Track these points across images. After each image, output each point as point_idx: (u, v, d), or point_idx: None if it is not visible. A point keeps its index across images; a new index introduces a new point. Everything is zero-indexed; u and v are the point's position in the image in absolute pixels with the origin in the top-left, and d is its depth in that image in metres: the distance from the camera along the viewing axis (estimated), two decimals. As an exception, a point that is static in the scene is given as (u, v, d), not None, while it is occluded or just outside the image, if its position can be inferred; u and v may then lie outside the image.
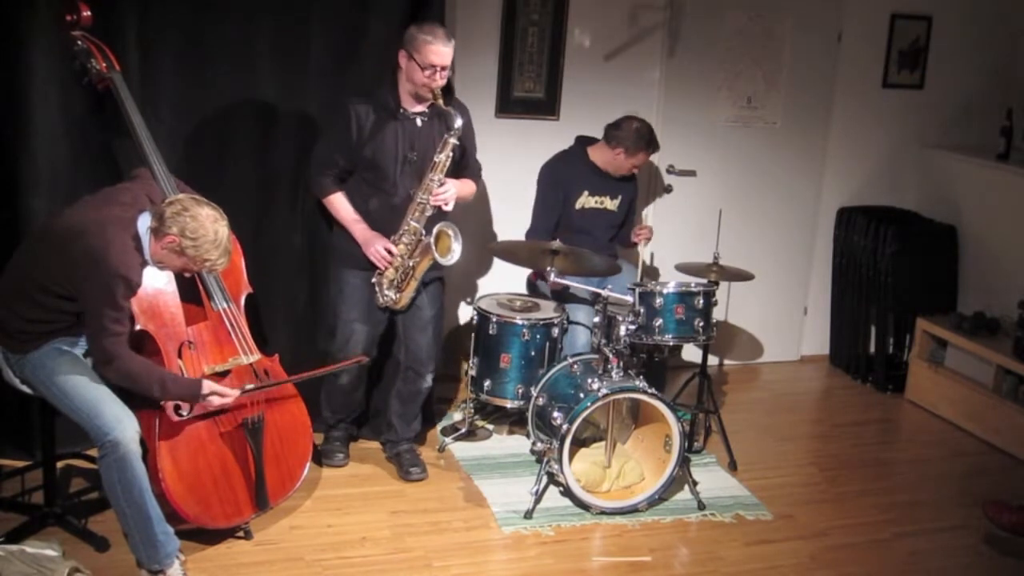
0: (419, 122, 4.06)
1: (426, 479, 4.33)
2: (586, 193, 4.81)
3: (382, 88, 4.06)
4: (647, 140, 4.76)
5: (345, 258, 4.17)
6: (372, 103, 4.03)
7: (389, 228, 4.09)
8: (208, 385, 3.44)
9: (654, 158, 5.33)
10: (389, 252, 4.06)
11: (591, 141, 4.89)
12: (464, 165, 4.23)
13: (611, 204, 4.87)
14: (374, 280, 4.15)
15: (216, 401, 3.47)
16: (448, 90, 4.02)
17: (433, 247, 3.99)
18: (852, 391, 5.77)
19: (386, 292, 4.15)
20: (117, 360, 3.27)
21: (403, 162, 4.05)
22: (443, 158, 4.00)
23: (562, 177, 4.80)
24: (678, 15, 5.31)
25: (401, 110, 4.04)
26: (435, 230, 4.01)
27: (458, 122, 3.96)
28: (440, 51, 3.89)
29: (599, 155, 4.83)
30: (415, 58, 3.91)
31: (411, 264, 4.08)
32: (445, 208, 4.08)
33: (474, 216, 5.16)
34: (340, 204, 4.12)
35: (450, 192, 4.06)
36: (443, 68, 3.92)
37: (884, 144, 5.93)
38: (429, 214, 4.05)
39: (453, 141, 3.98)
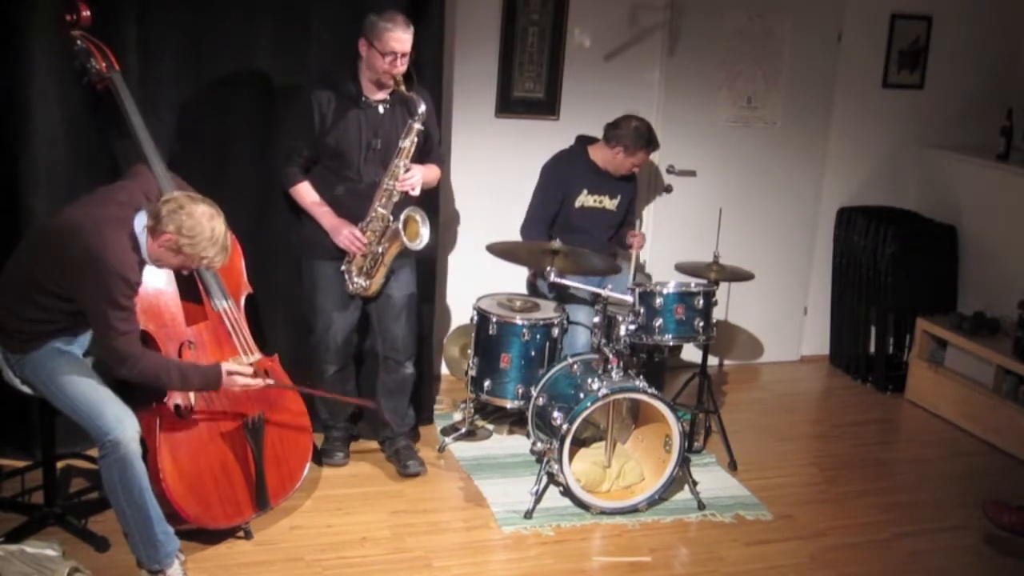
0: (381, 109, 4.07)
1: (424, 473, 4.33)
2: (585, 192, 4.81)
3: (342, 75, 4.06)
4: (646, 139, 4.76)
5: (316, 249, 4.17)
6: (333, 90, 4.03)
7: (355, 215, 4.09)
8: (227, 366, 3.45)
9: (654, 157, 5.33)
10: (357, 238, 4.07)
11: (591, 140, 4.89)
12: (428, 150, 4.23)
13: (610, 204, 4.87)
14: (343, 268, 4.15)
15: (240, 381, 3.46)
16: (408, 76, 4.02)
17: (402, 232, 3.99)
18: (852, 391, 5.77)
19: (356, 279, 4.15)
20: (131, 359, 3.25)
21: (367, 149, 4.05)
22: (408, 144, 4.00)
23: (563, 175, 4.81)
24: (678, 15, 5.31)
25: (363, 98, 4.04)
26: (403, 215, 4.01)
27: (421, 107, 3.96)
28: (400, 37, 3.90)
29: (599, 154, 4.83)
30: (375, 45, 3.91)
31: (380, 251, 4.08)
32: (412, 193, 4.08)
33: (474, 215, 5.17)
34: (306, 193, 4.11)
35: (416, 177, 4.06)
36: (403, 55, 3.93)
37: (884, 144, 5.93)
38: (396, 200, 4.05)
39: (417, 126, 3.98)
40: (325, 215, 4.09)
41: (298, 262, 4.28)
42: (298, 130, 4.06)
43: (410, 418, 4.45)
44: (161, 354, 3.42)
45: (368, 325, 4.35)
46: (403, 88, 3.95)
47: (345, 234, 4.05)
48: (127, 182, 3.58)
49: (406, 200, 4.08)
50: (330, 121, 4.01)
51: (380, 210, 4.05)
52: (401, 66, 3.94)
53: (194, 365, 3.43)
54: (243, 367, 3.51)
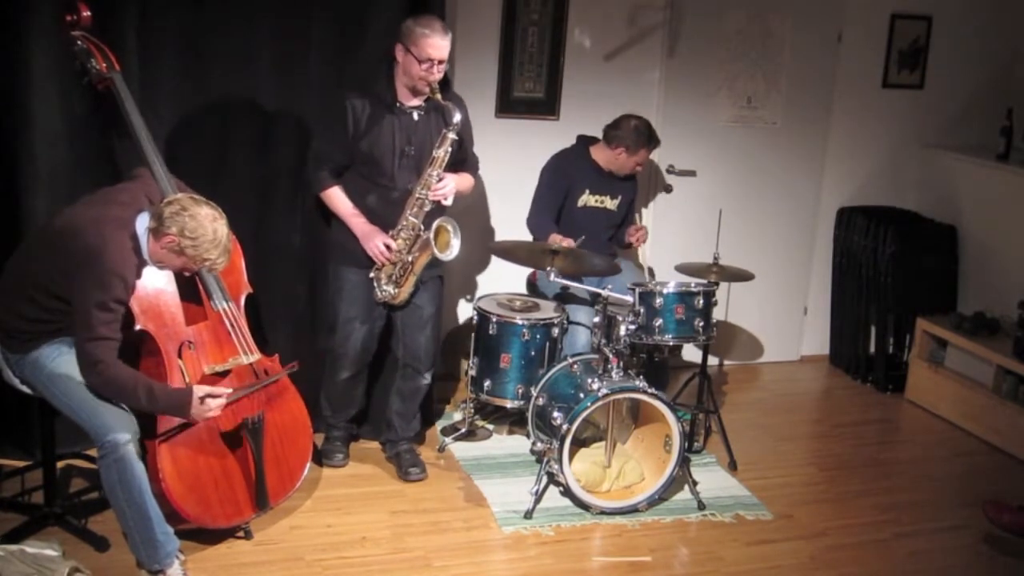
0: (416, 116, 4.05)
1: (426, 479, 4.33)
2: (587, 192, 4.81)
3: (377, 81, 4.04)
4: (647, 137, 4.76)
5: (344, 255, 4.17)
6: (368, 97, 4.01)
7: (387, 222, 4.08)
8: (199, 389, 3.36)
9: (655, 157, 5.33)
10: (387, 247, 4.06)
11: (593, 140, 4.89)
12: (461, 159, 4.22)
13: (611, 204, 4.88)
14: (372, 275, 4.15)
15: (212, 404, 3.37)
16: (445, 84, 4.01)
17: (432, 242, 3.99)
18: (852, 391, 5.77)
19: (384, 287, 4.14)
20: (101, 364, 3.22)
21: (400, 156, 4.04)
22: (442, 153, 3.99)
23: (566, 173, 4.81)
24: (678, 15, 5.31)
25: (398, 104, 4.02)
26: (434, 225, 4.00)
27: (456, 117, 3.94)
28: (438, 44, 3.87)
29: (601, 155, 4.83)
30: (412, 51, 3.89)
31: (410, 259, 4.08)
32: (444, 203, 4.08)
33: (474, 216, 5.16)
34: (338, 198, 4.11)
35: (449, 187, 4.06)
36: (440, 62, 3.90)
37: (884, 144, 5.93)
38: (428, 209, 4.04)
39: (452, 136, 3.97)
40: (357, 222, 4.08)
41: (324, 266, 4.28)
42: (332, 135, 4.05)
43: (416, 423, 4.45)
44: (136, 371, 3.37)
45: (390, 331, 4.33)
46: (439, 96, 3.92)
47: (376, 242, 4.04)
48: (128, 184, 3.59)
49: (438, 210, 4.08)
50: (364, 127, 3.99)
51: (411, 219, 4.04)
52: (438, 73, 3.91)
53: (164, 388, 3.36)
54: (219, 390, 3.42)
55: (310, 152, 4.16)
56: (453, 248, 4.06)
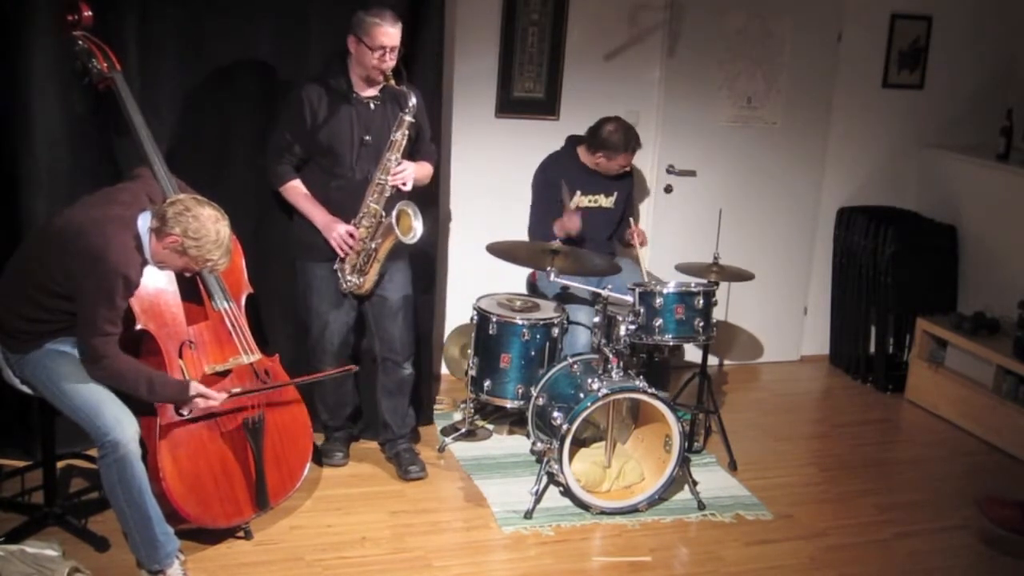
0: (372, 106, 4.06)
1: (425, 478, 4.33)
2: (579, 193, 4.80)
3: (332, 72, 4.05)
4: (624, 142, 4.72)
5: (309, 250, 4.16)
6: (323, 87, 4.02)
7: (348, 212, 4.08)
8: (195, 387, 3.43)
9: (654, 157, 5.33)
10: (351, 235, 4.06)
11: (581, 140, 4.88)
12: (419, 147, 4.23)
13: (606, 201, 4.87)
14: (336, 267, 4.15)
15: (201, 403, 3.45)
16: (397, 72, 4.01)
17: (395, 226, 3.99)
18: (852, 391, 5.77)
19: (348, 277, 4.14)
20: (106, 359, 3.26)
21: (359, 146, 4.05)
22: (399, 137, 4.00)
23: (554, 178, 4.78)
24: (678, 15, 5.31)
25: (354, 94, 4.04)
26: (396, 209, 4.00)
27: (412, 100, 3.97)
28: (388, 32, 3.90)
29: (586, 158, 4.83)
30: (364, 41, 3.91)
31: (373, 246, 4.08)
32: (403, 188, 4.07)
33: (474, 215, 5.17)
34: (298, 192, 4.11)
35: (408, 171, 4.06)
36: (392, 49, 3.93)
37: (884, 144, 5.93)
38: (388, 195, 4.05)
39: (408, 119, 3.99)
40: (317, 213, 4.08)
41: (291, 263, 4.28)
42: (288, 127, 4.05)
43: (410, 418, 4.45)
44: (136, 360, 3.39)
45: (365, 327, 4.35)
46: (392, 82, 3.95)
47: (339, 232, 4.05)
48: (129, 183, 3.59)
49: (398, 195, 4.08)
50: (321, 118, 4.01)
51: (372, 205, 4.05)
52: (390, 61, 3.94)
53: (164, 378, 3.40)
54: (212, 392, 3.46)
55: (268, 146, 4.13)
56: (416, 231, 4.05)
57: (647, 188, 5.49)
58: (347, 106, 4.03)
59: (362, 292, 4.18)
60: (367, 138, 4.05)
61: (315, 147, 4.06)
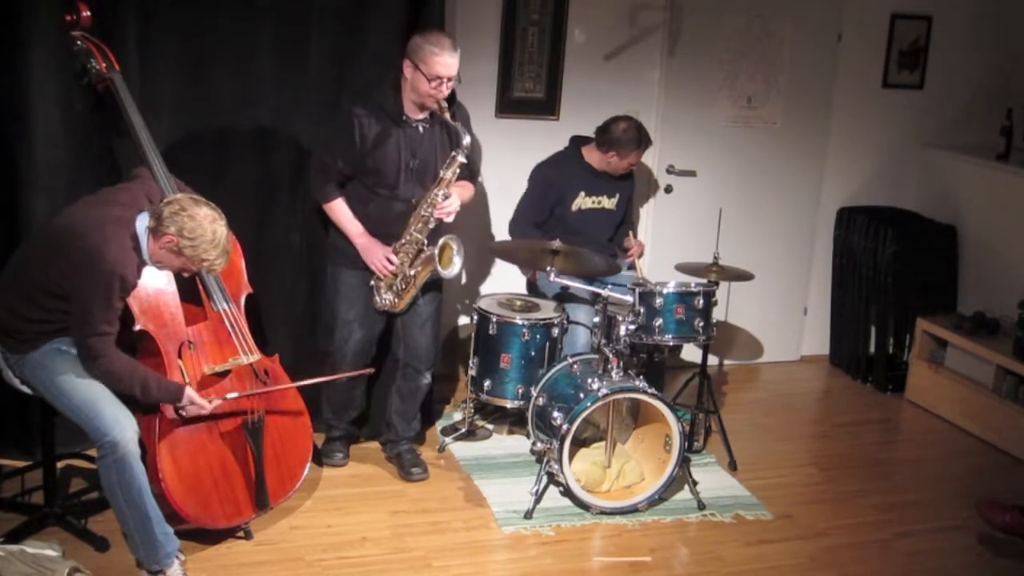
0: (420, 129, 4.04)
1: (427, 479, 4.33)
2: (582, 194, 4.79)
3: (381, 92, 4.03)
4: (637, 139, 4.73)
5: (342, 257, 4.16)
6: (373, 109, 4.00)
7: (387, 232, 4.08)
8: (189, 394, 3.43)
9: (654, 158, 5.33)
10: (389, 261, 4.06)
11: (585, 141, 4.87)
12: (466, 174, 4.21)
13: (609, 203, 4.87)
14: (372, 283, 4.15)
15: (192, 411, 3.45)
16: (450, 98, 4.00)
17: (437, 259, 3.98)
18: (852, 391, 5.77)
19: (384, 295, 4.15)
20: (102, 358, 3.27)
21: (405, 169, 4.04)
22: (449, 175, 3.99)
23: (556, 180, 4.77)
24: (678, 15, 5.31)
25: (404, 117, 4.02)
26: (440, 242, 3.99)
27: (466, 139, 3.95)
28: (447, 63, 3.87)
29: (594, 157, 4.81)
30: (421, 69, 3.87)
31: (411, 273, 4.08)
32: (446, 220, 4.08)
33: (474, 216, 5.16)
34: (341, 211, 4.10)
35: (454, 205, 4.06)
36: (449, 79, 3.90)
37: (884, 144, 5.93)
38: (432, 227, 4.05)
39: (461, 160, 3.97)
40: (358, 235, 4.07)
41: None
42: (337, 146, 4.02)
43: (417, 423, 4.45)
44: (133, 360, 3.39)
45: (390, 332, 4.32)
46: (447, 115, 3.91)
47: (378, 256, 4.05)
48: (128, 184, 3.59)
49: (441, 225, 4.08)
50: (370, 140, 3.98)
51: (416, 235, 4.04)
52: (446, 90, 3.91)
53: (159, 380, 3.40)
54: (203, 402, 3.46)
55: (312, 161, 4.14)
56: (455, 265, 4.07)
57: (647, 188, 5.49)
58: (396, 128, 4.00)
59: (396, 312, 4.19)
60: (413, 162, 4.03)
61: (361, 167, 4.04)
